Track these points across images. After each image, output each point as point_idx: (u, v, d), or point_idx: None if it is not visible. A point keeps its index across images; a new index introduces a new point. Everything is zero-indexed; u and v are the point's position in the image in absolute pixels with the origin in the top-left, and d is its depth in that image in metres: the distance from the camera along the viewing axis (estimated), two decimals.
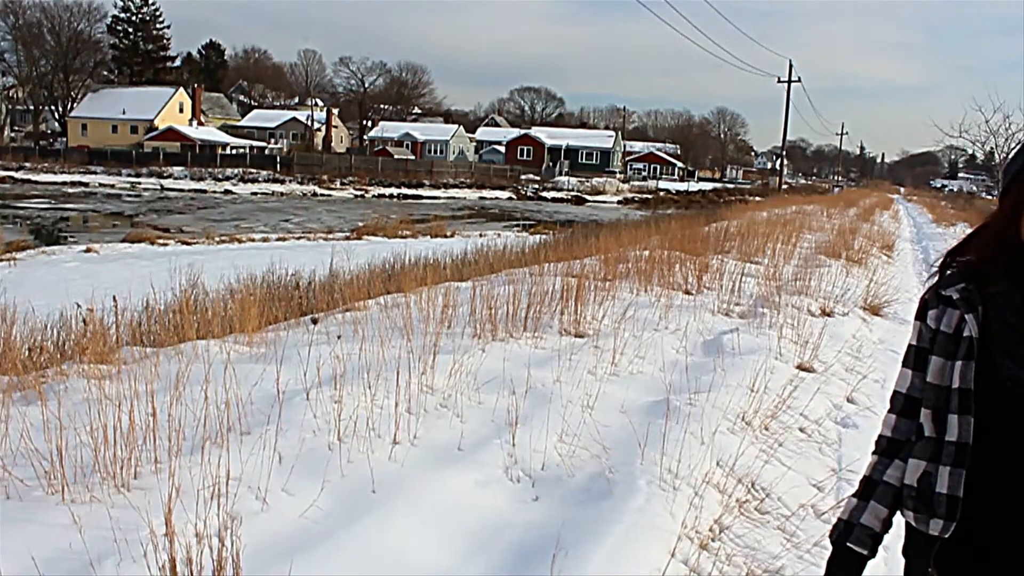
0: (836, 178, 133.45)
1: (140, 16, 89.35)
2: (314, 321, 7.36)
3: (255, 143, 78.36)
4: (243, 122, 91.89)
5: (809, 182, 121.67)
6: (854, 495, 2.01)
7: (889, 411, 2.00)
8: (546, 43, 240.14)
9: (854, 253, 15.93)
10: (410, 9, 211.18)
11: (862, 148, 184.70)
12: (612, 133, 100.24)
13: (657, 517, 3.66)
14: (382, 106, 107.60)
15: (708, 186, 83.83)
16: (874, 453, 2.01)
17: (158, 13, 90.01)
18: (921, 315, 1.95)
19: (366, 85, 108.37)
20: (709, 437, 4.58)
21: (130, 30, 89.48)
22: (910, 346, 1.97)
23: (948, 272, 1.95)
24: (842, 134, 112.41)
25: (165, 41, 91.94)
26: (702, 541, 3.64)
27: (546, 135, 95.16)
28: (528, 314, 7.12)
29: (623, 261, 11.10)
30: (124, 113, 74.39)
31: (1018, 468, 1.75)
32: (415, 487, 3.85)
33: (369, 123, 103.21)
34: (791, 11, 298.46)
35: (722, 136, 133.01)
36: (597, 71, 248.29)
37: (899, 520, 1.95)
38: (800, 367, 6.74)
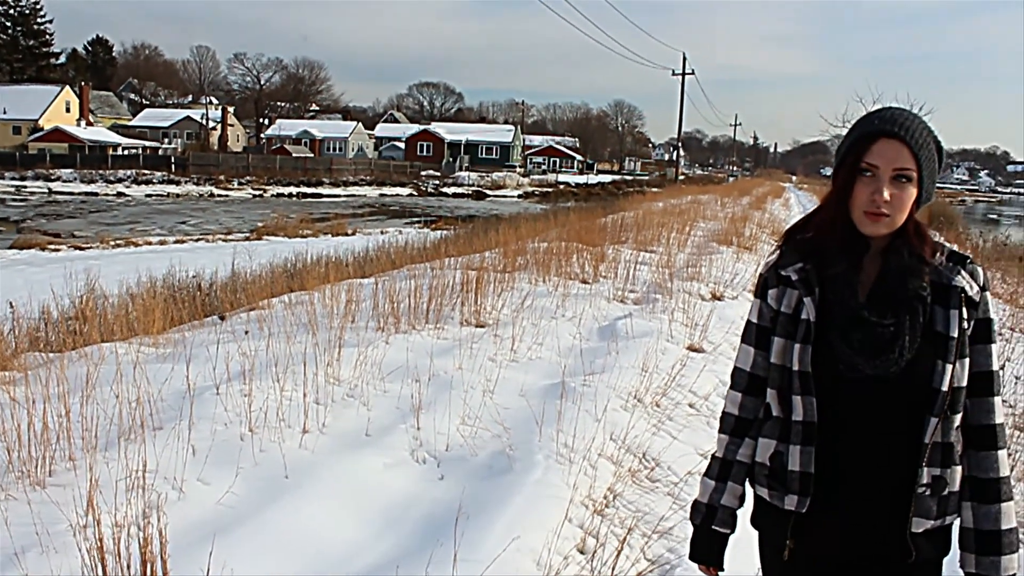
0: (731, 168, 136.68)
1: (19, 9, 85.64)
2: (222, 318, 7.46)
3: (148, 143, 76.25)
4: (135, 121, 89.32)
5: (705, 172, 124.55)
6: (709, 476, 2.07)
7: (733, 388, 2.06)
8: (444, 38, 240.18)
9: (745, 240, 16.56)
10: (305, 4, 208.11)
11: (755, 138, 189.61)
12: (511, 127, 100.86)
13: (555, 487, 3.95)
14: (279, 103, 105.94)
15: (607, 178, 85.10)
16: (723, 432, 2.07)
17: (39, 6, 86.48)
18: (761, 293, 2.01)
19: (262, 82, 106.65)
20: (603, 414, 4.89)
21: (8, 24, 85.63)
22: (750, 323, 2.03)
23: (786, 250, 1.99)
24: (736, 125, 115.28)
25: (48, 36, 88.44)
26: (597, 507, 3.94)
27: (446, 130, 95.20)
28: (430, 307, 7.35)
29: (522, 253, 11.41)
30: (4, 113, 71.46)
31: (857, 446, 1.86)
32: (326, 472, 4.05)
33: (266, 121, 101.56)
34: (685, 4, 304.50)
35: (620, 128, 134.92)
36: (496, 65, 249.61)
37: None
38: (690, 348, 7.13)
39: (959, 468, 1.88)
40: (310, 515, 3.66)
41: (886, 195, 1.81)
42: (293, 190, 55.57)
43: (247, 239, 24.69)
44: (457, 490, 3.95)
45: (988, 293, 1.92)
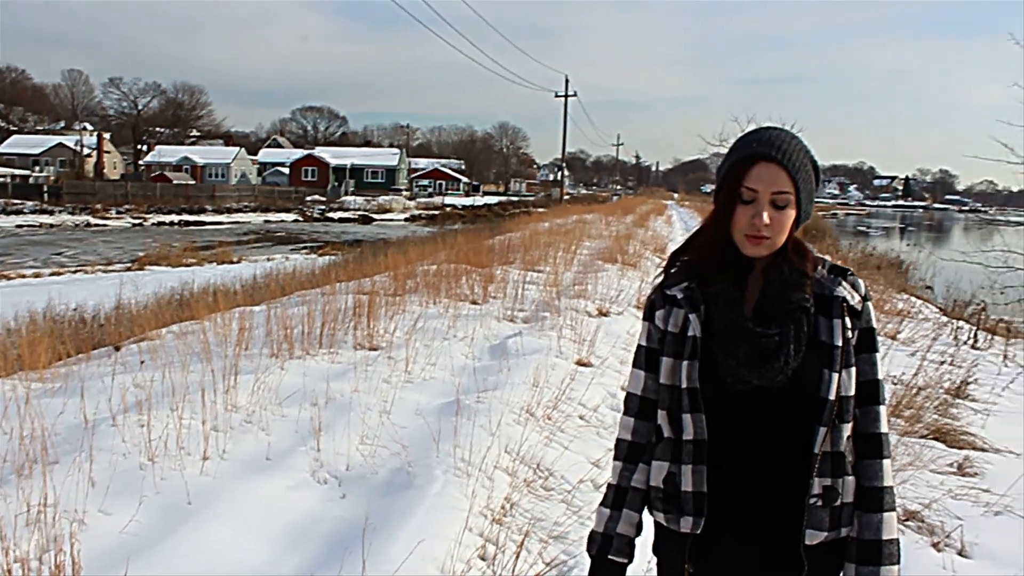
0: (615, 187, 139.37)
1: None
2: (116, 348, 7.39)
3: (17, 171, 73.20)
4: (1, 148, 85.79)
5: (590, 192, 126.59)
6: (604, 505, 2.05)
7: (625, 414, 2.05)
8: (327, 61, 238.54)
9: (629, 257, 17.06)
10: (183, 27, 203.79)
11: (638, 157, 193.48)
12: (397, 151, 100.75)
13: (454, 499, 4.12)
14: (158, 129, 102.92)
15: (493, 200, 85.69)
16: (616, 459, 2.06)
17: None
18: (649, 316, 2.02)
19: (139, 107, 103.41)
20: (497, 428, 5.08)
21: None
22: (640, 347, 2.03)
23: (672, 272, 2.01)
24: (618, 144, 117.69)
25: None
26: (495, 516, 4.14)
27: (330, 155, 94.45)
28: (323, 331, 7.44)
29: (412, 276, 11.56)
30: None
31: (748, 460, 1.87)
32: (229, 496, 4.12)
33: (144, 147, 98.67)
34: (568, 28, 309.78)
35: (505, 150, 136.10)
36: (380, 89, 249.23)
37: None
38: (579, 362, 7.40)
39: (851, 479, 1.89)
40: (216, 539, 3.73)
41: (766, 219, 1.84)
42: (175, 218, 54.20)
43: (129, 269, 24.05)
44: (360, 507, 4.07)
45: (869, 303, 1.96)
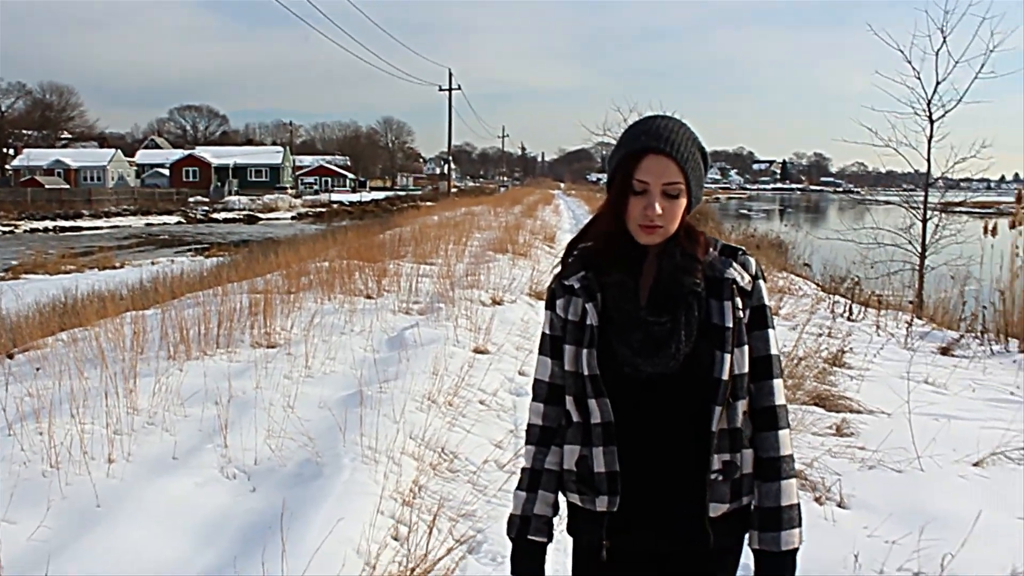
0: (502, 178, 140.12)
1: None
2: (10, 356, 7.23)
3: None
4: None
5: (477, 184, 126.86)
6: (520, 488, 2.10)
7: (535, 399, 2.11)
8: (204, 59, 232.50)
9: (520, 247, 17.33)
10: (47, 24, 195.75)
11: (523, 148, 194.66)
12: (280, 149, 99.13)
13: (364, 485, 4.25)
14: (25, 132, 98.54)
15: (381, 195, 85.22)
16: (529, 443, 2.12)
17: None
18: (550, 304, 2.07)
19: (3, 109, 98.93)
20: (401, 416, 5.21)
21: None
22: (544, 335, 2.09)
23: (570, 261, 2.06)
24: (504, 136, 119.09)
25: None
26: (405, 499, 4.28)
27: (212, 154, 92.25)
28: (219, 331, 7.42)
29: (305, 274, 11.56)
30: None
31: (648, 443, 1.93)
32: (138, 497, 4.16)
33: (11, 151, 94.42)
34: (450, 22, 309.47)
35: (390, 145, 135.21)
36: (260, 86, 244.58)
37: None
38: (476, 350, 7.57)
39: (749, 451, 1.96)
40: (129, 539, 3.77)
41: (658, 209, 1.88)
42: (49, 224, 52.04)
43: (2, 279, 23.17)
44: (271, 499, 4.16)
45: (761, 281, 2.00)
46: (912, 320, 10.66)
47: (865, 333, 9.77)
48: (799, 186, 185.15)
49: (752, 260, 2.01)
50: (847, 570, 3.64)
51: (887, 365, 7.88)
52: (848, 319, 10.89)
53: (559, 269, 2.08)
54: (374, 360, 6.76)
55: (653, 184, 1.90)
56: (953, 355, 9.08)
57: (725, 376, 1.89)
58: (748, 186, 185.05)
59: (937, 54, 12.99)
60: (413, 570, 3.48)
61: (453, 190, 74.24)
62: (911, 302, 12.00)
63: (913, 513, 4.20)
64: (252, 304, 8.42)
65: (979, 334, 9.92)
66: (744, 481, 1.96)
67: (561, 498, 2.10)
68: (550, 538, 2.09)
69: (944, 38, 12.90)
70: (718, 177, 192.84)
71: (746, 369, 1.94)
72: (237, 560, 3.53)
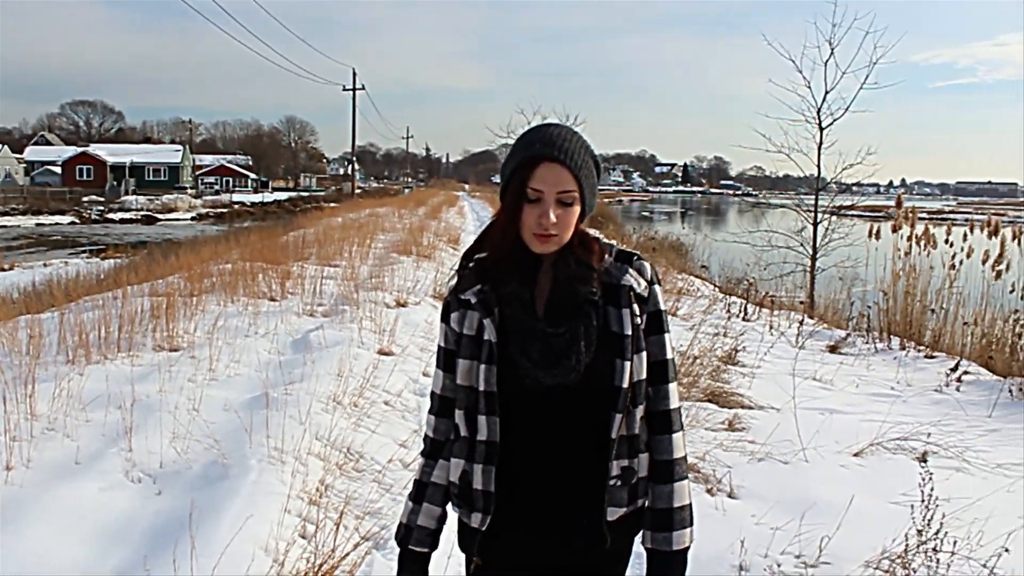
0: (406, 179, 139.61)
1: None
2: None
3: None
4: None
5: (381, 185, 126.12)
6: (409, 498, 2.13)
7: (429, 411, 2.12)
8: (99, 52, 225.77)
9: (424, 249, 17.41)
10: None
11: (428, 149, 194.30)
12: (179, 147, 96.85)
13: (271, 486, 4.32)
14: None
15: (284, 196, 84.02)
16: (421, 454, 2.14)
17: None
18: (445, 318, 2.05)
19: None
20: (306, 417, 5.28)
21: None
22: (439, 348, 2.08)
23: (465, 274, 2.03)
24: (408, 137, 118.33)
25: None
26: (312, 498, 4.37)
27: (107, 152, 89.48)
28: (120, 335, 7.33)
29: (207, 276, 11.43)
30: None
31: (547, 454, 1.94)
32: (40, 503, 4.13)
33: None
34: (355, 21, 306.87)
35: (293, 145, 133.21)
36: (158, 82, 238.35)
37: None
38: (381, 351, 7.66)
39: (646, 455, 1.99)
40: (31, 545, 3.76)
41: (552, 218, 1.87)
42: None
43: None
44: (178, 501, 4.19)
45: (657, 286, 2.02)
46: (803, 320, 11.14)
47: (759, 332, 10.16)
48: (700, 189, 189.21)
49: (647, 265, 2.02)
50: (735, 556, 3.86)
51: (778, 363, 8.25)
52: (743, 319, 11.31)
53: (454, 281, 2.05)
54: (279, 362, 6.79)
55: (547, 192, 1.89)
56: (840, 353, 9.53)
57: (625, 384, 1.91)
58: (651, 188, 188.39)
59: (826, 65, 13.64)
60: (320, 566, 3.57)
61: (357, 191, 73.75)
62: (802, 302, 12.51)
63: (797, 501, 4.47)
64: (154, 307, 8.33)
65: (864, 333, 10.43)
66: (640, 484, 1.99)
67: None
68: (433, 548, 2.12)
69: (832, 50, 13.55)
70: (621, 180, 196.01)
71: (644, 375, 1.95)
72: (147, 559, 3.57)
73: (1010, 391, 7.71)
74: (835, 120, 13.94)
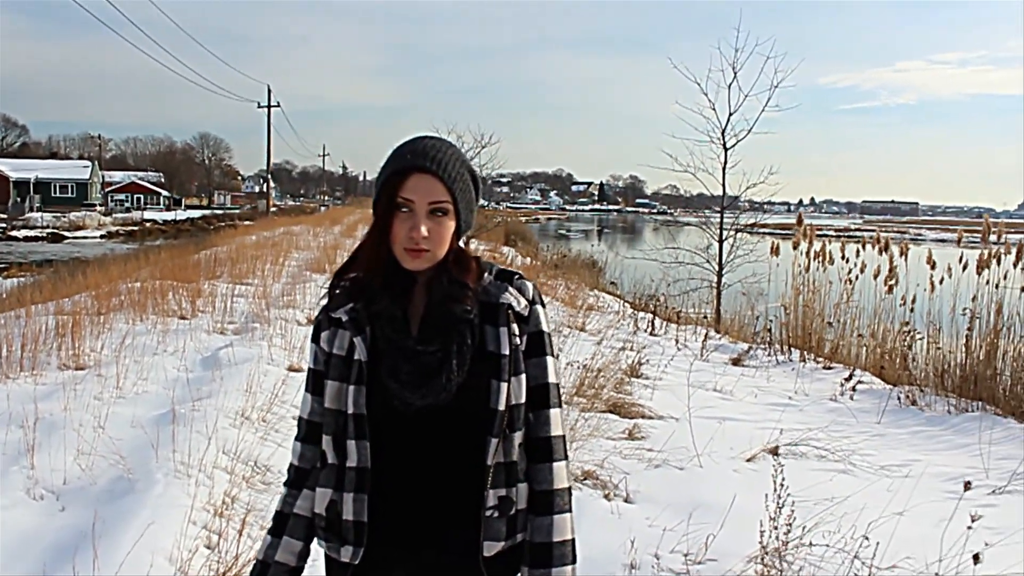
0: (323, 197, 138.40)
1: None
2: None
3: None
4: None
5: (297, 203, 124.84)
6: (268, 532, 1.99)
7: (296, 438, 1.99)
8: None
9: (338, 267, 17.38)
10: None
11: (345, 167, 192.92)
12: (88, 163, 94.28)
13: (177, 499, 4.37)
14: None
15: (197, 213, 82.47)
16: (284, 484, 2.01)
17: None
18: (315, 337, 1.95)
19: None
20: (213, 432, 5.33)
21: None
22: (309, 370, 1.97)
23: (337, 292, 1.94)
24: (324, 155, 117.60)
25: None
26: (217, 510, 4.43)
27: (10, 168, 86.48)
28: (23, 354, 7.25)
29: (116, 294, 11.31)
30: None
31: (420, 481, 1.84)
32: None
33: None
34: (270, 38, 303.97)
35: (207, 162, 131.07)
36: (66, 96, 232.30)
37: None
38: (291, 368, 7.71)
39: (524, 485, 1.88)
40: None
41: (423, 231, 1.79)
42: None
43: None
44: (82, 516, 4.21)
45: (539, 307, 1.93)
46: (708, 333, 11.50)
47: (665, 347, 10.47)
48: (616, 207, 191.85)
49: (529, 285, 1.94)
50: (626, 555, 4.05)
51: (681, 375, 8.52)
52: (651, 334, 11.63)
53: (325, 300, 1.96)
54: (187, 379, 6.80)
55: (418, 203, 1.81)
56: (743, 365, 9.88)
57: (501, 407, 1.81)
58: (567, 207, 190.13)
59: (729, 88, 14.09)
60: (224, 574, 3.64)
61: (273, 209, 72.88)
62: (705, 317, 12.87)
63: (688, 504, 4.69)
64: (59, 326, 8.25)
65: (766, 346, 10.81)
66: (519, 517, 1.88)
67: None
68: None
69: (735, 74, 14.01)
70: (538, 198, 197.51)
71: (523, 399, 1.87)
72: (47, 569, 3.59)
73: (898, 398, 8.12)
74: (739, 141, 14.41)
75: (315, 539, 1.95)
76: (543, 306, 1.96)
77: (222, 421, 5.64)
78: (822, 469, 5.71)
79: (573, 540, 1.91)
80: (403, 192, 1.82)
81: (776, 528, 3.98)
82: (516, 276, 1.94)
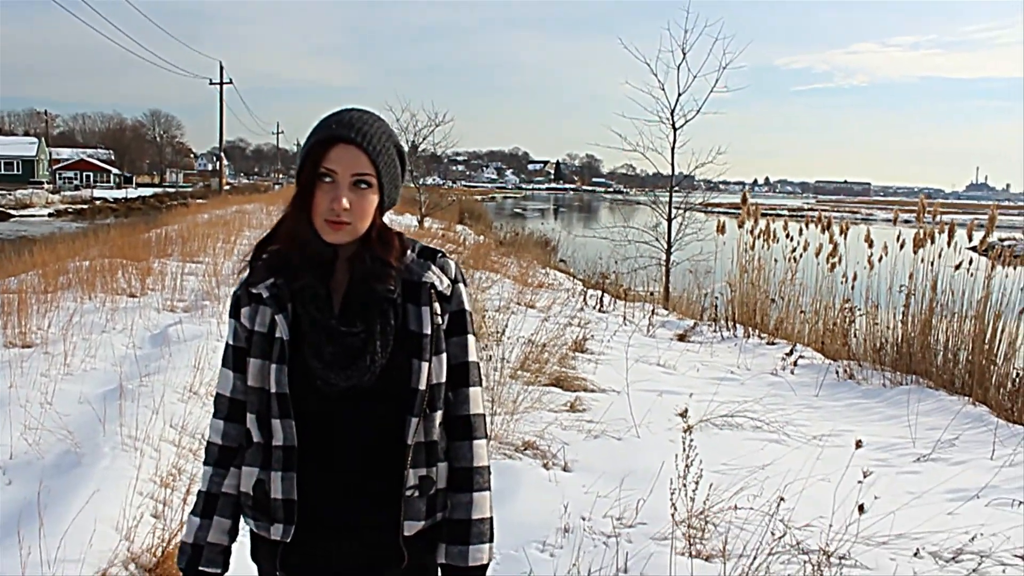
0: (277, 176, 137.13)
1: None
2: None
3: None
4: None
5: (251, 181, 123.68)
6: (194, 513, 1.93)
7: (215, 416, 1.94)
8: None
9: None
10: None
11: (299, 146, 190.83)
12: (35, 140, 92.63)
13: (124, 471, 4.46)
14: None
15: (149, 192, 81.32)
16: (207, 463, 1.95)
17: None
18: (235, 313, 1.91)
19: None
20: (160, 407, 5.41)
21: None
22: (228, 346, 1.93)
23: (258, 266, 1.89)
24: (278, 133, 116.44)
25: None
26: (164, 481, 4.53)
27: None
28: None
29: (64, 273, 11.26)
30: None
31: (344, 461, 1.83)
32: None
33: None
34: (223, 15, 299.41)
35: (159, 139, 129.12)
36: (10, 71, 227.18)
37: None
38: None
39: (444, 464, 1.90)
40: None
41: (345, 202, 1.76)
42: None
43: None
44: (28, 489, 4.26)
45: (461, 285, 1.93)
46: (654, 310, 11.73)
47: (613, 323, 10.67)
48: (572, 186, 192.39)
49: (452, 263, 1.94)
50: (560, 520, 4.22)
51: (629, 350, 8.72)
52: (599, 311, 11.82)
53: (246, 274, 1.91)
54: (136, 356, 6.85)
55: (341, 174, 1.78)
56: (688, 341, 10.12)
57: (422, 386, 1.82)
58: (524, 186, 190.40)
59: (679, 68, 14.29)
60: (170, 540, 3.75)
61: (226, 187, 72.26)
62: (651, 294, 13.11)
63: (624, 472, 4.87)
64: (4, 304, 8.23)
65: (712, 322, 11.06)
66: (440, 496, 1.90)
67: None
68: (224, 568, 1.95)
69: (684, 54, 14.22)
70: (494, 177, 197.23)
71: (444, 378, 1.87)
72: None
73: (837, 372, 8.40)
74: (687, 121, 14.62)
75: (242, 517, 1.94)
76: (465, 284, 1.96)
77: (170, 396, 5.72)
78: (756, 439, 5.93)
79: (491, 519, 1.92)
80: (326, 162, 1.79)
81: (685, 491, 4.14)
82: (439, 254, 1.94)
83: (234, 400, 1.91)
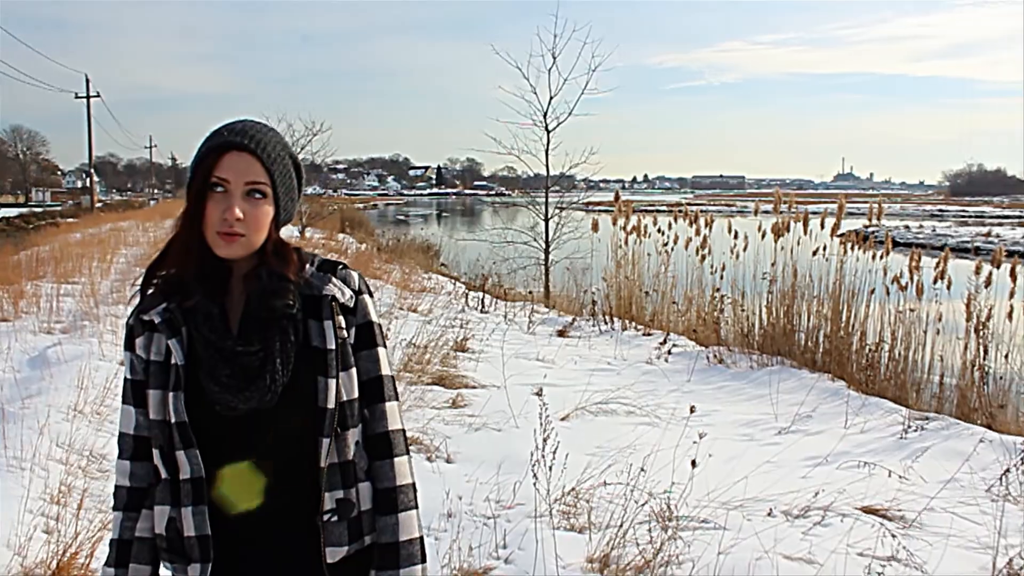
0: (152, 191, 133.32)
1: None
2: None
3: None
4: None
5: (124, 198, 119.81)
6: (108, 564, 1.80)
7: (120, 456, 1.81)
8: None
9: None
10: None
11: (174, 159, 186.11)
12: None
13: (10, 490, 4.52)
14: None
15: (13, 212, 77.98)
16: (116, 509, 1.82)
17: None
18: (129, 345, 1.80)
19: None
20: (44, 427, 5.44)
21: None
22: (126, 380, 1.82)
23: (150, 292, 1.79)
24: (151, 147, 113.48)
25: None
26: (54, 498, 4.60)
27: None
28: None
29: None
30: None
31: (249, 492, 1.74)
32: None
33: None
34: (85, 24, 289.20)
35: (22, 156, 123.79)
36: None
37: None
38: (122, 362, 7.76)
39: (366, 484, 1.79)
40: None
41: (238, 212, 1.67)
42: None
43: None
44: None
45: (366, 296, 1.84)
46: (534, 308, 12.08)
47: (494, 323, 10.98)
48: (454, 190, 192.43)
49: (355, 274, 1.84)
50: (443, 507, 4.48)
51: (508, 347, 9.04)
52: (481, 311, 12.11)
53: (137, 301, 1.80)
54: (15, 379, 6.81)
55: (234, 183, 1.70)
56: (568, 336, 10.50)
57: (331, 404, 1.72)
58: (406, 192, 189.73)
59: (549, 72, 14.67)
60: (64, 552, 3.85)
61: (98, 205, 69.85)
62: (530, 293, 13.46)
63: (502, 460, 5.17)
64: None
65: (591, 317, 11.48)
66: (364, 519, 1.78)
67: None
68: None
69: (555, 59, 14.60)
70: (376, 184, 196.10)
71: (355, 394, 1.78)
72: None
73: (708, 358, 8.89)
74: (560, 123, 15.02)
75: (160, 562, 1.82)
76: (371, 295, 1.87)
77: (55, 416, 5.75)
78: (628, 423, 6.31)
79: (421, 538, 1.82)
80: (218, 171, 1.70)
81: (545, 466, 4.40)
82: (340, 266, 1.84)
83: (138, 437, 1.80)
